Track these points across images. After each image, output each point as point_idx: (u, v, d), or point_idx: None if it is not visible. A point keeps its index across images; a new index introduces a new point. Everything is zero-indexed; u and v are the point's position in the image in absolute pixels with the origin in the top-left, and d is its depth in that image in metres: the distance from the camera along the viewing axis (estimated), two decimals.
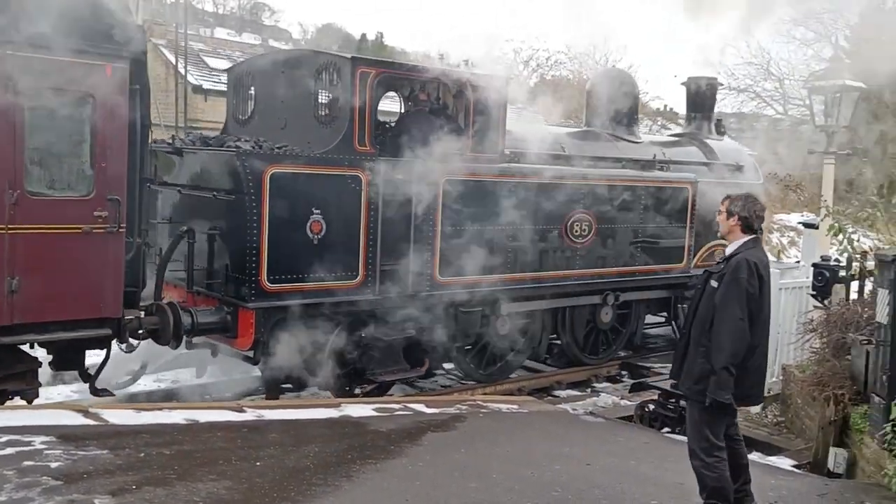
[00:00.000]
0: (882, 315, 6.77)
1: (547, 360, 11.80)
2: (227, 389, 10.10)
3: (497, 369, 10.78)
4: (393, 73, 9.29)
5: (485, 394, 10.08)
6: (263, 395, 9.47)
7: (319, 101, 9.20)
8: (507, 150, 10.09)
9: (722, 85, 15.39)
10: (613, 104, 12.42)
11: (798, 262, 13.29)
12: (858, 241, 8.37)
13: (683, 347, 5.46)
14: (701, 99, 14.12)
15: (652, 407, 8.71)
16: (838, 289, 8.74)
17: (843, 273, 8.61)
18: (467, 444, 7.06)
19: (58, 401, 8.83)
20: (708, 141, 13.70)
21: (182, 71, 20.44)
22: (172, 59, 21.33)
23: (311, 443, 6.65)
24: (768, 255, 5.65)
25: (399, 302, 9.17)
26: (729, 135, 15.01)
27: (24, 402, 7.42)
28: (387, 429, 7.35)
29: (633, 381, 10.83)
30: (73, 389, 9.50)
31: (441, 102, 9.95)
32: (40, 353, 7.65)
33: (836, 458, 7.53)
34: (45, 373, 7.84)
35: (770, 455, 7.70)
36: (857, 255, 8.65)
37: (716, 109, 14.44)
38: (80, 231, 7.08)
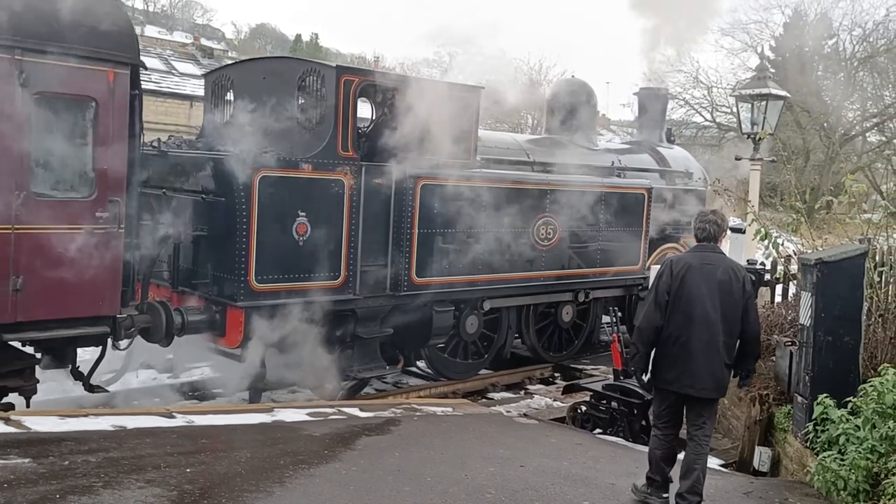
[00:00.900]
0: (805, 317, 6.98)
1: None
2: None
3: (466, 366, 11.22)
4: (375, 81, 9.62)
5: (419, 397, 10.08)
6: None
7: (302, 107, 9.46)
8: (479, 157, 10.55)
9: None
10: (573, 113, 13.02)
11: None
12: (783, 245, 8.59)
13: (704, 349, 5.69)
14: (652, 109, 14.87)
15: (584, 408, 8.82)
16: (764, 291, 8.98)
17: (768, 276, 8.85)
18: (401, 448, 7.05)
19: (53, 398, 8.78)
20: (659, 149, 14.40)
21: None
22: None
23: (242, 448, 6.55)
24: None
25: (378, 301, 9.54)
26: (678, 143, 15.70)
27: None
28: (320, 433, 7.28)
29: (565, 383, 10.95)
30: (64, 388, 9.15)
31: (416, 109, 10.10)
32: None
33: (761, 456, 7.73)
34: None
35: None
36: (782, 259, 8.89)
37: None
38: (81, 231, 7.28)
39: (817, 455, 6.38)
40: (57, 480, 5.33)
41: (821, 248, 8.01)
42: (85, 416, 7.05)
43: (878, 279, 7.69)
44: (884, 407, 5.85)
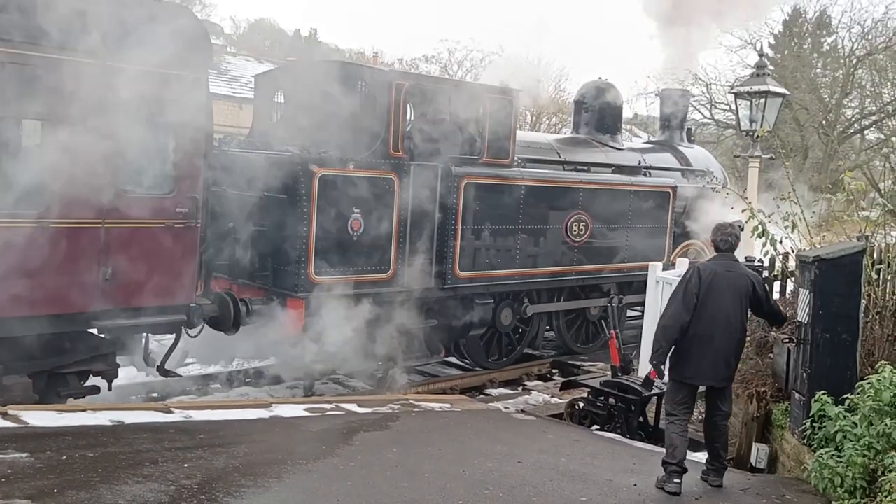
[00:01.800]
0: (803, 314, 6.98)
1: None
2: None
3: (501, 357, 11.85)
4: (423, 85, 10.43)
5: (417, 393, 10.08)
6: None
7: (353, 109, 9.88)
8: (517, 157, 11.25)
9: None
10: (600, 113, 13.67)
11: None
12: (781, 242, 8.59)
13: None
14: (673, 109, 15.50)
15: (582, 405, 8.83)
16: None
17: (766, 273, 8.84)
18: (399, 444, 7.05)
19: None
20: (681, 148, 15.03)
21: None
22: None
23: (240, 443, 6.55)
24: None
25: (424, 294, 10.14)
26: (698, 142, 16.23)
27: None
28: (318, 429, 7.29)
29: (563, 380, 10.96)
30: (128, 375, 9.34)
31: (462, 112, 10.83)
32: None
33: (758, 453, 7.74)
34: None
35: (695, 451, 7.87)
36: (780, 256, 8.89)
37: (646, 113, 15.58)
38: (163, 225, 7.85)
39: (814, 452, 6.39)
40: (55, 475, 5.34)
41: (819, 246, 8.01)
42: (83, 411, 7.05)
43: (876, 277, 7.69)
44: (881, 404, 5.86)
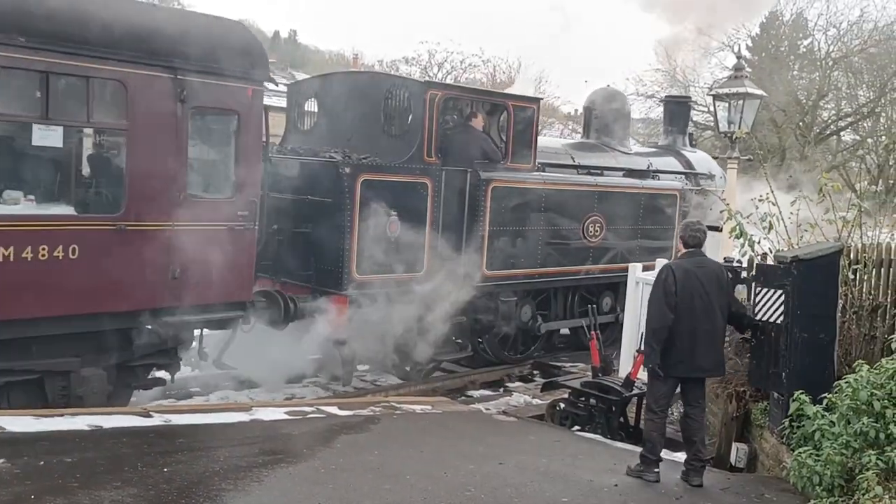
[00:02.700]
0: (767, 314, 7.02)
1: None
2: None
3: (519, 351, 12.45)
4: (455, 94, 11.31)
5: (398, 395, 10.06)
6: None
7: (389, 117, 10.71)
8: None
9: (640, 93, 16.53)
10: (608, 118, 14.17)
11: None
12: (759, 243, 8.64)
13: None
14: (677, 115, 16.20)
15: (563, 406, 8.84)
16: (740, 289, 9.02)
17: (744, 274, 8.89)
18: (381, 446, 7.04)
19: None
20: (684, 152, 15.54)
21: None
22: None
23: (220, 447, 6.51)
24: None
25: (454, 292, 10.50)
26: (700, 147, 16.64)
27: None
28: (299, 432, 7.26)
29: (544, 381, 10.98)
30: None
31: (489, 119, 11.60)
32: None
33: (737, 452, 7.79)
34: None
35: (676, 451, 7.91)
36: (758, 257, 8.95)
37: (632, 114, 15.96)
38: (225, 227, 8.32)
39: (793, 451, 6.43)
40: (31, 481, 5.29)
41: (797, 246, 8.07)
42: (60, 415, 6.96)
43: (853, 277, 7.76)
44: (858, 403, 5.90)
